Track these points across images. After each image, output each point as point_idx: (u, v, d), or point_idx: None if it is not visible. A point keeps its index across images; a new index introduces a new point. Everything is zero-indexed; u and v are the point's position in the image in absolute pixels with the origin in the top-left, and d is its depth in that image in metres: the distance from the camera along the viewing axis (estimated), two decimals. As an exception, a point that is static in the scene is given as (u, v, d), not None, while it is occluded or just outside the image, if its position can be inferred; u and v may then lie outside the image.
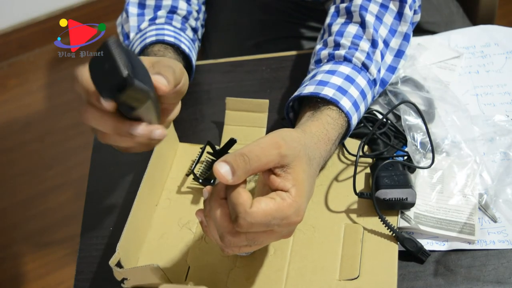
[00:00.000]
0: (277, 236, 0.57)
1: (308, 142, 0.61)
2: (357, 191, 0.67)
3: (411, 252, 0.64)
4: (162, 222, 0.71)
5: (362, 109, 0.70)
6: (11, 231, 1.72)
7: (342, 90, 0.67)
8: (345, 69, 0.70)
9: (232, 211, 0.53)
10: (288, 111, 0.73)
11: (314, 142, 0.62)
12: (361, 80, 0.70)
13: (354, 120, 0.68)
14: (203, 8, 0.92)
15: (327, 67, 0.71)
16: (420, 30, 0.95)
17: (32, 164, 1.86)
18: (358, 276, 0.62)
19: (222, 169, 0.53)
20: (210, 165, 0.75)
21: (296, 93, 0.70)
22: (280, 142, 0.55)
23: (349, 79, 0.69)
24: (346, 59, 0.71)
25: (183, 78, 0.62)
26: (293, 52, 0.89)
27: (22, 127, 1.97)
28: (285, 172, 0.56)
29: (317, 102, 0.68)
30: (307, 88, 0.69)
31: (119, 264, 0.61)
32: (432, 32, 0.89)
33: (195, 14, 0.88)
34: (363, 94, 0.69)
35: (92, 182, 0.79)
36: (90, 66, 0.52)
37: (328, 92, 0.67)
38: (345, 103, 0.67)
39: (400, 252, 0.64)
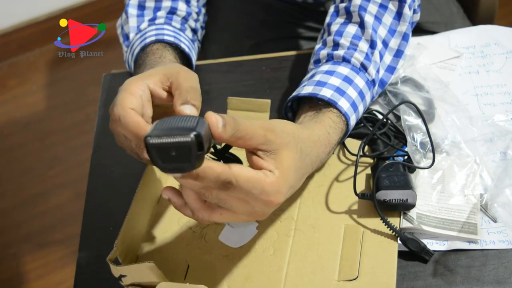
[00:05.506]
0: (250, 209, 0.55)
1: (305, 137, 0.61)
2: (358, 192, 0.67)
3: (414, 252, 0.64)
4: (162, 220, 0.71)
5: (361, 109, 0.70)
6: (11, 231, 1.72)
7: (340, 91, 0.67)
8: (343, 69, 0.70)
9: (218, 183, 0.52)
10: (287, 111, 0.73)
11: (313, 140, 0.62)
12: (360, 81, 0.70)
13: (353, 121, 0.68)
14: (203, 10, 0.93)
15: (325, 67, 0.71)
16: (420, 30, 0.95)
17: (32, 164, 1.86)
18: (357, 277, 0.62)
19: (215, 117, 0.51)
20: None
21: (294, 93, 0.70)
22: (269, 127, 0.55)
23: (347, 79, 0.69)
24: (345, 60, 0.71)
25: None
26: (293, 52, 0.89)
27: (22, 127, 1.97)
28: (269, 156, 0.55)
29: (318, 103, 0.68)
30: (306, 89, 0.69)
31: (117, 261, 0.61)
32: (432, 32, 0.88)
33: (194, 15, 0.89)
34: (361, 94, 0.69)
35: (92, 182, 0.79)
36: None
37: (326, 93, 0.67)
38: (343, 104, 0.67)
39: (402, 252, 0.64)
